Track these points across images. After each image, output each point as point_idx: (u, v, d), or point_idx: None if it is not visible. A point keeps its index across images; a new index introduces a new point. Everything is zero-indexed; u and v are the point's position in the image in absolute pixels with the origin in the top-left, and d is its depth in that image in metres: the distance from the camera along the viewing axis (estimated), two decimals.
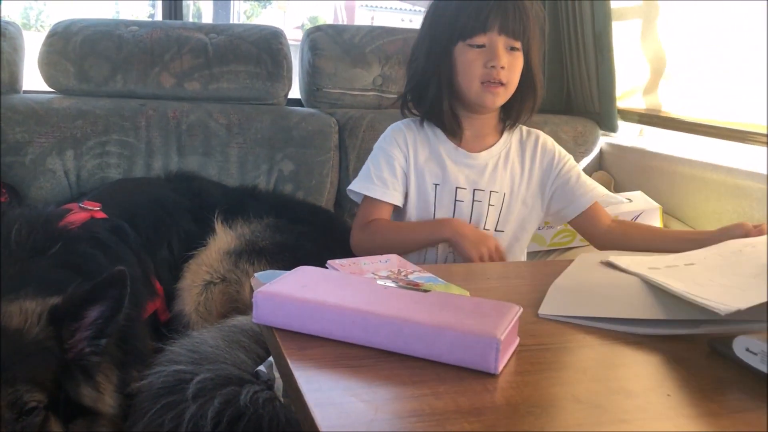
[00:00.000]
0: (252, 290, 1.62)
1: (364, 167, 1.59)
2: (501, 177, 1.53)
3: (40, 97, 1.91)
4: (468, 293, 1.09)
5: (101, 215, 1.53)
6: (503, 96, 1.46)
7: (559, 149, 1.58)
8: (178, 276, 1.61)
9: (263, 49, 2.04)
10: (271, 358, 1.26)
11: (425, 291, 0.99)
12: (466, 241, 1.42)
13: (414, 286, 1.12)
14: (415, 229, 1.50)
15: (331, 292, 0.96)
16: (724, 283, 0.98)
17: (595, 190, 1.54)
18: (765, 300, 0.84)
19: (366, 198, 1.55)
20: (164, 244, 1.62)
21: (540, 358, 0.88)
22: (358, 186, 1.56)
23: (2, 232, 1.34)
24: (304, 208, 1.90)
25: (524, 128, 1.59)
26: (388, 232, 1.50)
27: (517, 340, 0.92)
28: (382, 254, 1.47)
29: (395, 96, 2.20)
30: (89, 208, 1.53)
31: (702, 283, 0.99)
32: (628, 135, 2.34)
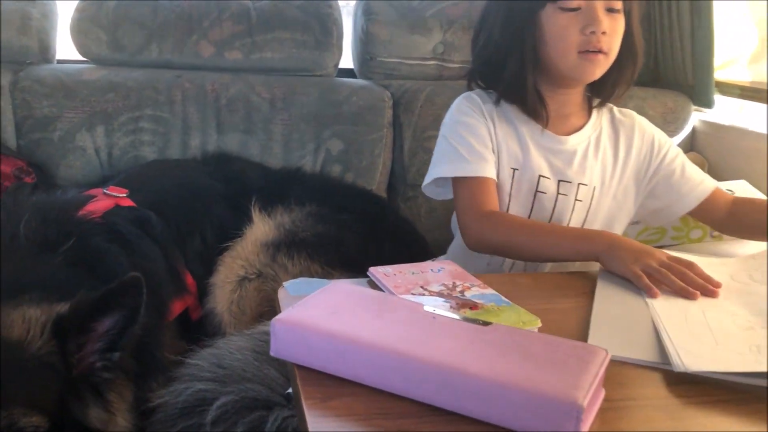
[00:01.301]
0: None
1: (440, 151, 1.32)
2: (591, 167, 1.28)
3: (69, 68, 1.77)
4: (539, 322, 0.88)
5: (128, 203, 1.39)
6: (604, 65, 1.22)
7: (659, 134, 1.34)
8: (211, 269, 1.46)
9: (311, 13, 1.84)
10: None
11: (485, 323, 0.78)
12: (627, 254, 1.06)
13: (471, 308, 0.92)
14: (556, 235, 1.18)
15: (366, 322, 0.77)
16: (712, 325, 0.89)
17: (704, 183, 1.30)
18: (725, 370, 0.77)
19: (463, 182, 1.26)
20: (197, 234, 1.47)
21: (631, 416, 0.71)
22: (446, 170, 1.27)
23: (10, 223, 1.20)
24: (352, 194, 1.71)
25: (615, 108, 1.34)
26: (518, 232, 1.19)
27: (602, 394, 0.72)
28: (506, 256, 1.26)
29: (458, 66, 1.98)
30: (114, 194, 1.39)
31: (691, 316, 0.92)
32: (726, 111, 2.04)
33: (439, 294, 0.98)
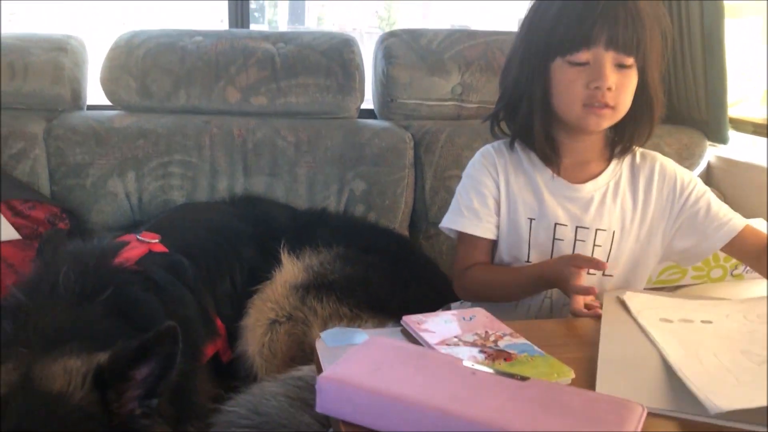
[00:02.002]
0: (319, 328, 1.49)
1: (453, 200, 1.40)
2: (609, 212, 1.30)
3: (100, 115, 1.82)
4: (572, 373, 0.90)
5: (160, 248, 1.43)
6: (610, 119, 1.24)
7: (682, 174, 1.33)
8: (241, 312, 1.49)
9: (334, 59, 1.89)
10: None
11: (522, 378, 0.81)
12: (558, 273, 1.19)
13: (505, 359, 0.95)
14: (516, 279, 1.29)
15: (409, 379, 0.80)
16: (728, 366, 0.91)
17: (732, 221, 1.29)
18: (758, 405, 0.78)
19: (460, 235, 1.36)
20: (226, 277, 1.50)
21: None
22: (447, 221, 1.38)
23: (50, 273, 1.24)
24: (377, 234, 1.74)
25: (639, 151, 1.35)
26: (489, 284, 1.31)
27: None
28: (488, 301, 1.29)
29: (476, 106, 2.03)
30: (147, 240, 1.42)
31: (705, 359, 0.93)
32: (740, 147, 2.07)
33: (473, 344, 1.00)
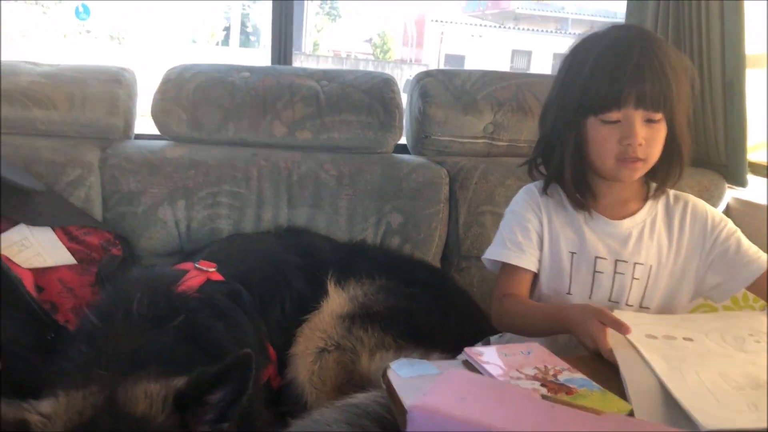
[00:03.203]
0: (366, 358, 1.55)
1: (496, 234, 1.49)
2: (647, 247, 1.39)
3: (152, 145, 1.90)
4: (630, 407, 0.97)
5: (217, 277, 1.49)
6: (642, 170, 1.33)
7: (713, 214, 1.43)
8: (289, 339, 1.55)
9: (375, 98, 1.98)
10: None
11: (597, 412, 0.88)
12: (578, 322, 1.21)
13: (567, 393, 1.01)
14: (538, 318, 1.35)
15: (494, 411, 0.86)
16: (708, 386, 1.01)
17: (761, 259, 1.37)
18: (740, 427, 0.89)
19: (502, 266, 1.45)
20: (277, 306, 1.57)
21: None
22: (491, 252, 1.46)
23: (123, 300, 1.30)
24: (415, 267, 1.81)
25: (671, 192, 1.45)
26: (517, 316, 1.38)
27: None
28: (517, 334, 1.37)
29: (506, 144, 2.12)
30: (205, 269, 1.49)
31: (687, 376, 1.03)
32: (758, 190, 2.16)
33: (535, 378, 1.07)
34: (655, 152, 1.32)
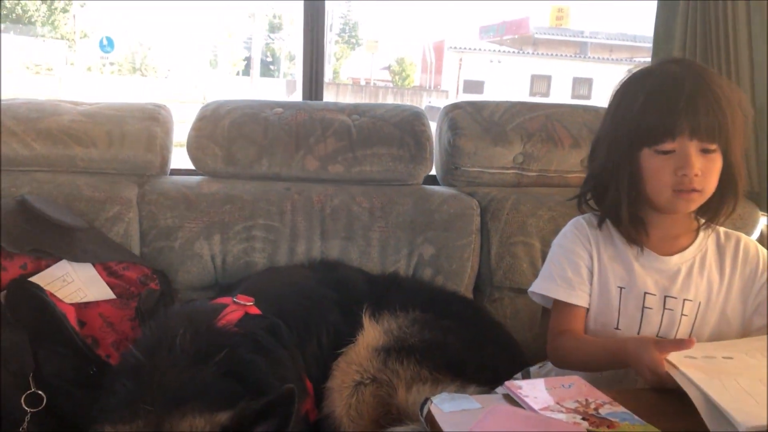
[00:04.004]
0: (403, 390, 1.55)
1: (544, 267, 1.49)
2: (696, 284, 1.38)
3: (188, 180, 1.94)
4: None
5: (255, 311, 1.51)
6: (698, 201, 1.33)
7: (764, 255, 1.41)
8: (325, 373, 1.56)
9: (406, 131, 2.01)
10: None
11: None
12: (637, 357, 1.21)
13: (608, 426, 1.01)
14: (597, 353, 1.34)
15: None
16: (748, 390, 1.06)
17: None
18: None
19: (556, 301, 1.45)
20: (314, 339, 1.58)
21: None
22: (539, 287, 1.47)
23: (167, 335, 1.32)
24: (449, 299, 1.82)
25: (722, 230, 1.44)
26: (573, 351, 1.38)
27: None
28: (577, 370, 1.36)
29: (536, 174, 2.13)
30: (243, 303, 1.51)
31: (727, 383, 1.07)
32: None
33: (575, 411, 1.07)
34: (711, 183, 1.31)
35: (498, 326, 1.81)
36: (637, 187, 1.35)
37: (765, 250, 1.42)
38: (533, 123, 2.12)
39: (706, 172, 1.29)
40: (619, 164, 1.35)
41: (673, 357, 1.16)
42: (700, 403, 1.05)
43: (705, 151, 1.29)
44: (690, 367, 1.12)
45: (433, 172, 2.21)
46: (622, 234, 1.41)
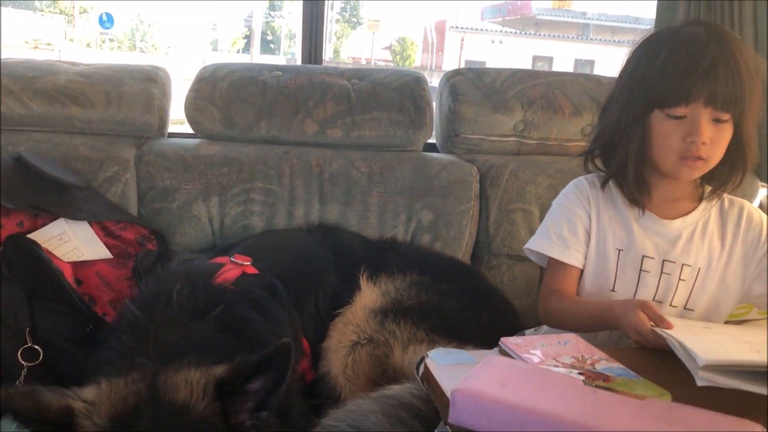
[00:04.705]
0: (399, 351, 1.55)
1: (541, 225, 1.49)
2: (696, 250, 1.37)
3: (187, 142, 1.93)
4: (669, 396, 0.97)
5: (252, 270, 1.51)
6: (702, 170, 1.31)
7: (767, 223, 1.40)
8: (323, 333, 1.57)
9: (406, 96, 1.99)
10: None
11: (640, 397, 0.88)
12: (620, 317, 1.23)
13: (604, 380, 1.01)
14: (585, 315, 1.35)
15: (537, 395, 0.87)
16: (718, 339, 1.12)
17: None
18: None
19: (550, 260, 1.45)
20: (311, 300, 1.58)
21: None
22: (535, 244, 1.47)
23: (163, 291, 1.32)
24: (447, 264, 1.82)
25: (726, 196, 1.42)
26: (562, 312, 1.39)
27: None
28: (564, 330, 1.37)
29: (536, 142, 2.11)
30: (240, 262, 1.51)
31: (698, 333, 1.12)
32: None
33: (572, 366, 1.07)
34: (718, 153, 1.30)
35: (495, 291, 1.81)
36: (645, 149, 1.34)
37: None
38: (534, 90, 2.10)
39: (715, 141, 1.27)
40: (630, 123, 1.34)
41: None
42: (679, 351, 1.06)
43: (717, 121, 1.27)
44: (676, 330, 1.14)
45: (433, 140, 2.20)
46: (625, 195, 1.40)
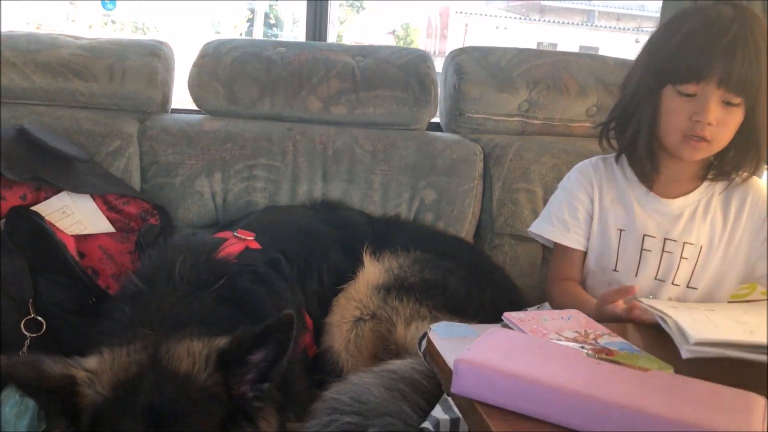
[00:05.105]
0: (402, 327, 1.55)
1: (545, 208, 1.51)
2: (698, 228, 1.37)
3: (190, 118, 1.92)
4: (672, 369, 0.97)
5: (255, 245, 1.51)
6: (705, 152, 1.29)
7: None
8: (325, 309, 1.56)
9: (411, 73, 1.98)
10: (435, 414, 1.18)
11: (643, 369, 0.88)
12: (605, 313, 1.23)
13: (607, 354, 1.01)
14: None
15: (541, 366, 0.87)
16: (715, 321, 1.09)
17: None
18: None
19: (555, 244, 1.47)
20: (314, 275, 1.58)
21: None
22: (537, 227, 1.48)
23: (166, 263, 1.32)
24: (450, 242, 1.82)
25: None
26: (564, 306, 1.36)
27: None
28: None
29: (540, 122, 2.10)
30: (243, 237, 1.50)
31: (695, 315, 1.09)
32: None
33: (574, 340, 1.06)
34: (723, 137, 1.28)
35: (498, 269, 1.81)
36: (655, 123, 1.33)
37: None
38: (540, 70, 2.08)
39: (722, 124, 1.25)
40: (644, 96, 1.33)
41: (657, 302, 1.15)
42: (669, 327, 1.06)
43: (727, 103, 1.25)
44: (671, 308, 1.11)
45: (438, 120, 2.19)
46: (635, 170, 1.39)
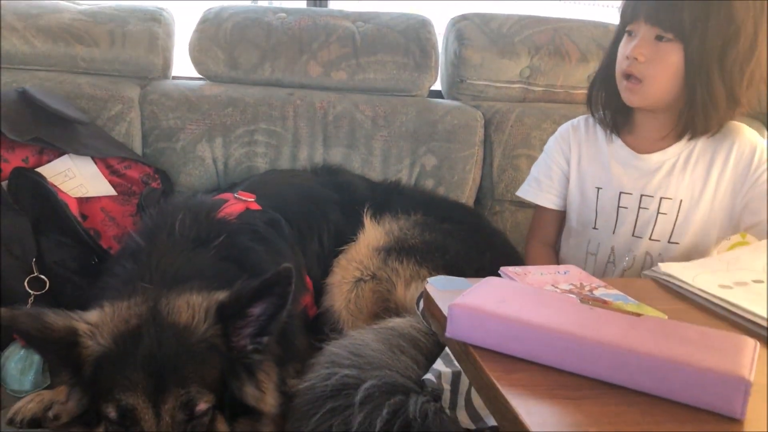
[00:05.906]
0: (402, 287, 1.57)
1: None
2: (677, 182, 1.36)
3: (191, 83, 1.92)
4: (666, 317, 0.97)
5: (255, 206, 1.52)
6: (641, 95, 1.28)
7: (761, 152, 1.34)
8: (326, 270, 1.58)
9: (411, 38, 1.97)
10: (437, 367, 1.20)
11: (636, 314, 0.88)
12: None
13: (603, 304, 1.02)
14: None
15: (534, 310, 0.87)
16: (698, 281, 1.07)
17: None
18: None
19: (536, 206, 1.50)
20: (315, 237, 1.59)
21: None
22: (520, 189, 1.52)
23: (166, 221, 1.33)
24: (450, 206, 1.82)
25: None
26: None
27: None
28: None
29: (542, 89, 2.10)
30: (244, 198, 1.51)
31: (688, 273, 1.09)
32: None
33: (570, 292, 1.07)
34: (654, 75, 1.26)
35: (498, 233, 1.81)
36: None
37: (764, 148, 1.36)
38: (542, 36, 2.07)
39: (651, 60, 1.25)
40: (613, 48, 1.36)
41: (704, 283, 1.08)
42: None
43: (659, 38, 1.25)
44: (733, 297, 1.04)
45: (439, 87, 2.18)
46: (608, 122, 1.40)
